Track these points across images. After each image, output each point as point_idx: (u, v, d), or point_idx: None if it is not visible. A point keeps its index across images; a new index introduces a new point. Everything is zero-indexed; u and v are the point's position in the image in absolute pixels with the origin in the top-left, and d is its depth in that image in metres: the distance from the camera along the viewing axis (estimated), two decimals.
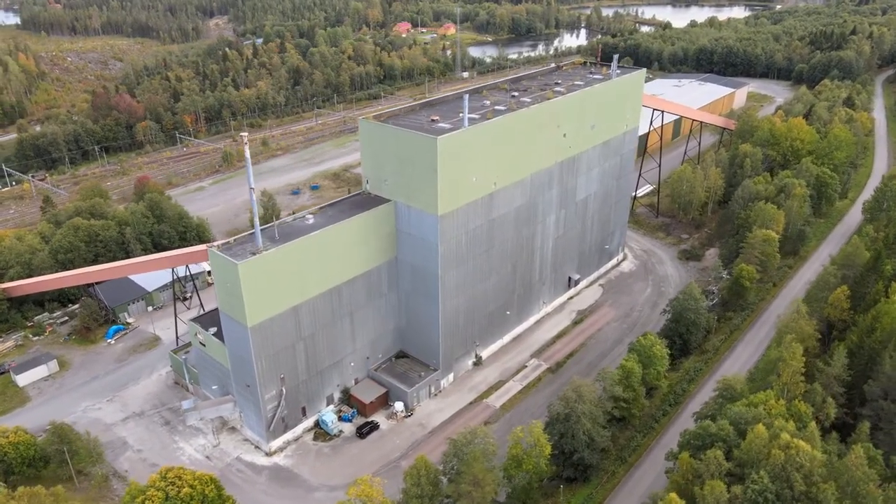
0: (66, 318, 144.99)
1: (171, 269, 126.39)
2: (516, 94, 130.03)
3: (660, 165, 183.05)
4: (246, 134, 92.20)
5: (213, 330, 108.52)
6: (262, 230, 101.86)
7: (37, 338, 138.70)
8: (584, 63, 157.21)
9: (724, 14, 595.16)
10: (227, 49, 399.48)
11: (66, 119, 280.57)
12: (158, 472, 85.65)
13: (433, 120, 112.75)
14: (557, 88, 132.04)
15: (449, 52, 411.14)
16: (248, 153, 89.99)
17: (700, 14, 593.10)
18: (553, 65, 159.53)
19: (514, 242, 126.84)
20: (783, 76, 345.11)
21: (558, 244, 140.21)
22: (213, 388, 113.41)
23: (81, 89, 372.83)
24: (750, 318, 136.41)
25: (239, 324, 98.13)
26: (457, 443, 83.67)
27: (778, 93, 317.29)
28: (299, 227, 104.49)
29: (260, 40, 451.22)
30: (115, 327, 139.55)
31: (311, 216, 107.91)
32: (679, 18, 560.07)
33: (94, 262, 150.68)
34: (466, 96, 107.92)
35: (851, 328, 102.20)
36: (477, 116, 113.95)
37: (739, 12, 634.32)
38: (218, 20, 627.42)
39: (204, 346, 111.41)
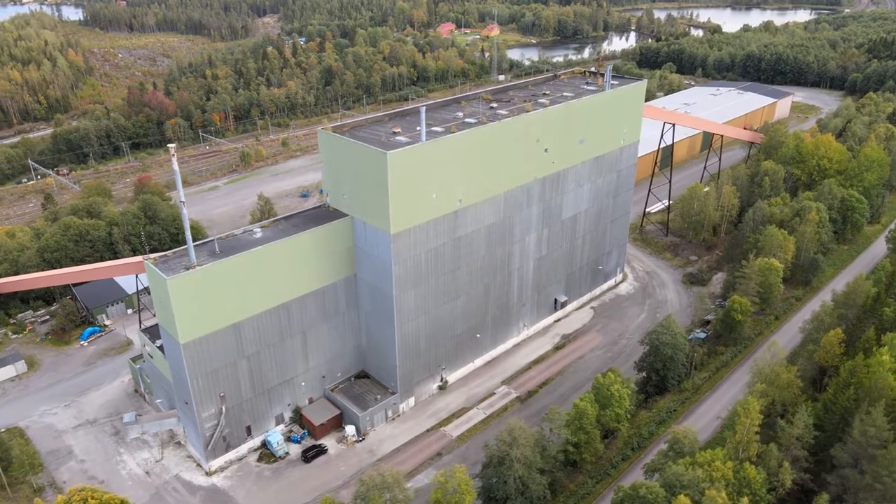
0: (48, 317, 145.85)
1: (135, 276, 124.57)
2: (496, 105, 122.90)
3: (670, 181, 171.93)
4: (174, 145, 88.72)
5: (160, 342, 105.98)
6: (203, 244, 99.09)
7: (15, 336, 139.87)
8: (584, 73, 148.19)
9: (786, 18, 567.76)
10: (267, 48, 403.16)
11: (100, 115, 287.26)
12: (67, 492, 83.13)
13: (394, 132, 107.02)
14: (540, 100, 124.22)
15: (486, 54, 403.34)
16: (175, 165, 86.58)
17: (760, 18, 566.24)
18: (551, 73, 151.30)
19: (485, 262, 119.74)
20: (836, 86, 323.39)
21: (541, 264, 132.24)
22: (159, 401, 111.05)
23: (127, 85, 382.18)
24: (742, 355, 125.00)
25: (173, 339, 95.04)
26: (366, 483, 77.98)
27: (827, 104, 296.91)
28: (244, 241, 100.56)
29: (304, 39, 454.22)
30: (90, 329, 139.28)
31: (259, 230, 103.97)
32: (737, 22, 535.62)
33: (82, 262, 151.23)
34: (423, 109, 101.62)
35: (832, 380, 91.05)
36: (441, 129, 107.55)
37: (803, 16, 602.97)
38: (268, 18, 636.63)
39: (152, 357, 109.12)
